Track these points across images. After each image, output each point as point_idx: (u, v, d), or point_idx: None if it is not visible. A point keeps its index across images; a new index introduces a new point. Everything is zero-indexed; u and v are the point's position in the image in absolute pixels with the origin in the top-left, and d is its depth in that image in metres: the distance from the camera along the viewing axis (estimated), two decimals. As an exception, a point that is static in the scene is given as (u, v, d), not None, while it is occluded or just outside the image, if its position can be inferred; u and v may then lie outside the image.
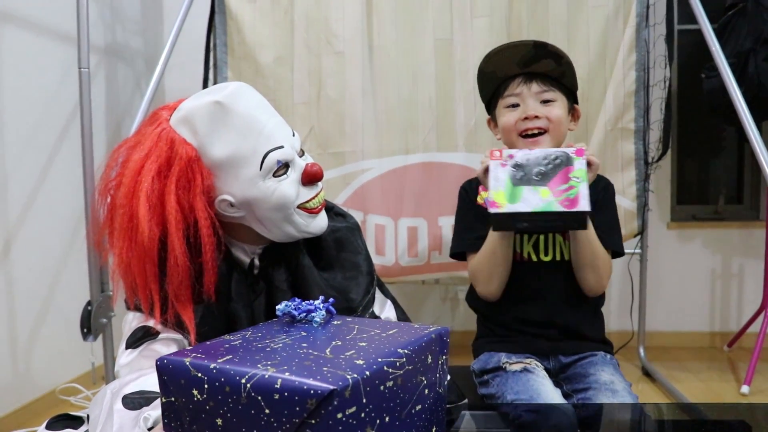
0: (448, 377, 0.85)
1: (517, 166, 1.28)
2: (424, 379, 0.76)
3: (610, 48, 2.44)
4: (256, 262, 1.16)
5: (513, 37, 2.41)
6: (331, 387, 0.62)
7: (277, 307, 0.85)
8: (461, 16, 2.41)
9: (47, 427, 1.04)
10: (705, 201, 3.44)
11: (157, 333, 1.08)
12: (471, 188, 1.54)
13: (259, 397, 0.65)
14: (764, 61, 2.53)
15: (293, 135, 1.12)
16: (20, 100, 2.29)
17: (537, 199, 1.26)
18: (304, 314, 0.84)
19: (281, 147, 1.06)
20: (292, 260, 1.16)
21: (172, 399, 0.73)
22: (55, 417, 1.07)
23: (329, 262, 1.20)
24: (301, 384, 0.63)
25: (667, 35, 2.57)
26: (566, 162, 1.27)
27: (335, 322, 0.85)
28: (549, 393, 1.29)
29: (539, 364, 1.42)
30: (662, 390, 2.70)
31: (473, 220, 1.50)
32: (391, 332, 0.79)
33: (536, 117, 1.39)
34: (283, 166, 1.07)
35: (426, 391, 0.77)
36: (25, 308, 2.33)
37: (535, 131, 1.40)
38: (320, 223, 1.14)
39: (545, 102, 1.41)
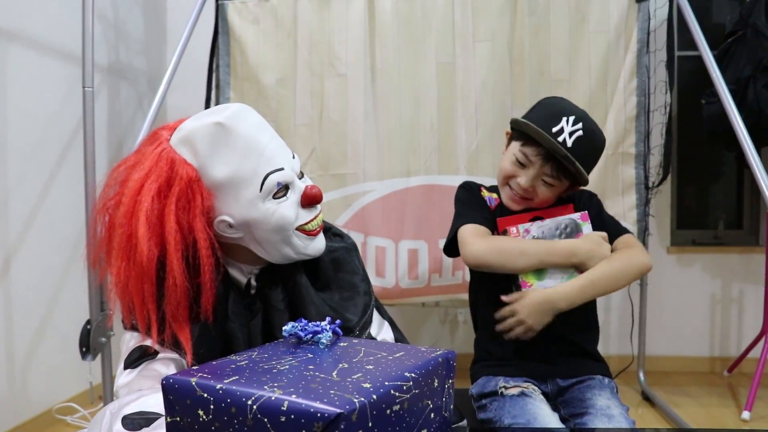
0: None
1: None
2: (430, 403, 0.76)
3: (611, 73, 2.46)
4: (253, 282, 1.16)
5: (514, 62, 2.43)
6: (338, 410, 0.62)
7: (283, 328, 0.85)
8: (463, 40, 2.43)
9: None
10: (705, 226, 3.44)
11: (156, 353, 1.07)
12: (471, 186, 1.57)
13: (266, 419, 0.65)
14: (764, 88, 2.55)
15: (293, 157, 1.12)
16: (23, 117, 2.30)
17: (560, 273, 1.39)
18: (311, 335, 0.84)
19: (281, 169, 1.07)
20: (289, 280, 1.15)
21: (177, 419, 0.72)
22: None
23: (326, 283, 1.20)
24: (308, 407, 0.63)
25: (668, 61, 2.59)
26: (576, 229, 1.41)
27: (342, 344, 0.84)
28: (546, 417, 1.29)
29: (537, 388, 1.42)
30: (662, 415, 2.68)
31: (476, 204, 1.53)
32: (398, 355, 0.79)
33: (525, 190, 1.42)
34: (283, 188, 1.07)
35: (432, 415, 0.77)
36: (23, 326, 2.32)
37: (518, 197, 1.45)
38: (318, 245, 1.14)
39: (546, 183, 1.41)
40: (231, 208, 1.06)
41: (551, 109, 1.42)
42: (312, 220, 1.11)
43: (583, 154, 1.37)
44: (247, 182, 1.04)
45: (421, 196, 2.45)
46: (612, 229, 1.49)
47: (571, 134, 1.36)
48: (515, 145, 1.43)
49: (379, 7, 2.45)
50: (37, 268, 2.38)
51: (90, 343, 1.95)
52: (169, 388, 0.73)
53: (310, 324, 0.85)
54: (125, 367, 1.08)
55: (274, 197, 1.06)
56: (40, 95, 2.39)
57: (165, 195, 1.02)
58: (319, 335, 0.84)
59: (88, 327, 1.96)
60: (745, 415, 2.65)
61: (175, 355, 1.09)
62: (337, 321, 0.87)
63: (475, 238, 1.42)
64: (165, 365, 1.08)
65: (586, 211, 1.42)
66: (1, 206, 2.22)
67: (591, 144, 1.40)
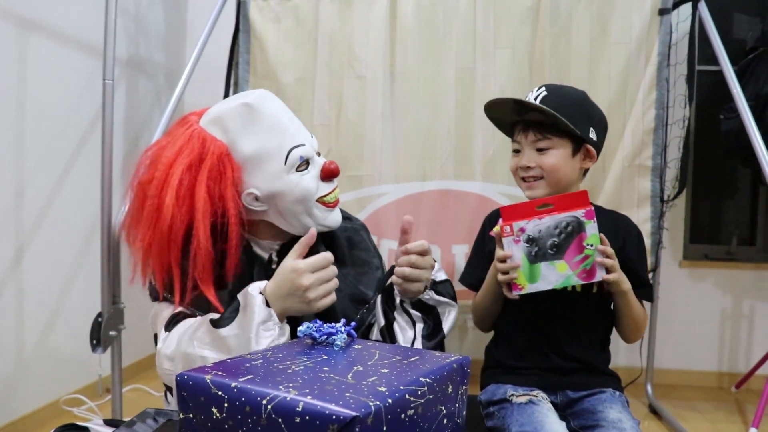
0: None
1: (531, 241, 1.28)
2: (443, 408, 0.76)
3: (630, 85, 2.45)
4: (275, 257, 1.24)
5: (535, 70, 2.43)
6: (354, 414, 0.62)
7: (298, 329, 0.85)
8: (484, 47, 2.43)
9: None
10: (717, 241, 3.42)
11: (194, 314, 1.15)
12: (491, 221, 1.54)
13: (280, 419, 0.65)
14: (783, 106, 2.54)
15: (311, 136, 1.23)
16: (41, 108, 2.31)
17: (555, 276, 1.28)
18: (326, 337, 0.84)
19: (303, 145, 1.17)
20: (308, 254, 1.18)
21: (190, 415, 0.73)
22: (61, 427, 1.09)
23: (342, 259, 1.28)
24: (323, 409, 0.63)
25: (688, 75, 2.58)
26: (578, 228, 1.27)
27: (356, 346, 0.84)
28: (553, 425, 1.28)
29: (545, 396, 1.41)
30: (669, 428, 2.67)
31: (477, 256, 1.54)
32: (413, 359, 0.79)
33: (529, 167, 1.43)
34: (304, 163, 1.17)
35: (445, 420, 0.76)
36: (33, 317, 2.33)
37: (530, 179, 1.44)
38: (336, 217, 1.24)
39: (540, 150, 1.42)
40: (258, 181, 1.15)
41: (495, 99, 1.49)
42: (330, 193, 1.21)
43: (553, 105, 1.38)
44: (272, 156, 1.14)
45: (436, 201, 2.44)
46: (640, 281, 1.43)
47: (535, 99, 1.41)
48: (512, 146, 1.50)
49: (401, 10, 2.45)
50: (49, 259, 2.39)
51: (100, 335, 1.95)
52: (183, 384, 0.73)
53: (325, 325, 0.85)
54: (166, 330, 1.14)
55: (297, 170, 1.16)
56: (59, 86, 2.41)
57: (197, 169, 1.11)
58: (333, 337, 0.84)
59: (99, 320, 1.96)
60: (752, 431, 2.63)
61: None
62: (352, 323, 0.87)
63: (472, 313, 1.54)
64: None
65: (591, 209, 1.27)
66: (17, 197, 2.23)
67: (559, 96, 1.42)
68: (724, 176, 3.39)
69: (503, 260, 1.30)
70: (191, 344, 1.06)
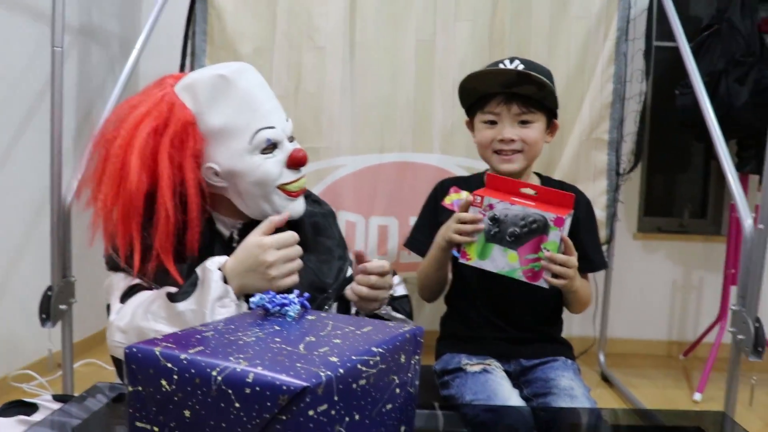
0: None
1: (494, 220, 1.25)
2: (396, 378, 0.76)
3: (589, 59, 2.47)
4: (236, 236, 1.21)
5: (494, 43, 2.43)
6: (304, 384, 0.61)
7: (251, 300, 0.84)
8: (444, 19, 2.42)
9: None
10: (670, 214, 3.50)
11: (149, 287, 1.13)
12: (442, 188, 1.54)
13: (230, 391, 0.64)
14: (735, 82, 2.59)
15: (287, 120, 1.19)
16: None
17: (503, 262, 1.26)
18: (279, 308, 0.83)
19: (273, 127, 1.14)
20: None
21: (139, 388, 0.72)
22: (8, 403, 1.06)
23: (305, 245, 1.22)
24: (274, 379, 0.62)
25: (646, 50, 2.61)
26: (542, 229, 1.23)
27: (310, 317, 0.84)
28: (506, 393, 1.31)
29: (499, 365, 1.43)
30: (619, 395, 2.75)
31: (426, 223, 1.52)
32: (365, 330, 0.78)
33: (512, 140, 1.40)
34: (271, 146, 1.14)
35: (397, 390, 0.77)
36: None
37: (509, 152, 1.41)
38: (297, 207, 1.20)
39: (522, 123, 1.41)
40: (220, 157, 1.13)
41: (487, 68, 1.44)
42: (294, 182, 1.17)
43: (529, 74, 1.37)
44: (238, 134, 1.12)
45: (394, 173, 2.44)
46: (589, 252, 1.44)
47: (515, 68, 1.39)
48: (479, 118, 1.45)
49: (360, -19, 2.42)
50: (-3, 231, 2.33)
51: (50, 309, 1.91)
52: (132, 356, 0.72)
53: (278, 296, 0.84)
54: (121, 302, 1.12)
55: (261, 152, 1.13)
56: (5, 53, 2.33)
57: (161, 134, 1.09)
58: (286, 308, 0.83)
59: (49, 293, 1.92)
60: (697, 396, 2.74)
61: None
62: (305, 294, 0.86)
63: (417, 282, 1.52)
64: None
65: (564, 218, 1.21)
66: (-36, 166, 2.16)
67: (538, 68, 1.41)
68: (678, 151, 3.46)
69: (471, 222, 1.26)
70: (146, 318, 1.05)
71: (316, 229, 1.29)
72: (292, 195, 1.18)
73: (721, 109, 2.53)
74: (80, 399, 1.02)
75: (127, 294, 1.12)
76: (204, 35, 2.47)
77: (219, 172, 1.13)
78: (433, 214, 1.52)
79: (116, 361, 1.14)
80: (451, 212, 1.45)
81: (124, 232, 1.09)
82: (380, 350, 0.73)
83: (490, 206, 1.26)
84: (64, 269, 1.97)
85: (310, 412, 0.62)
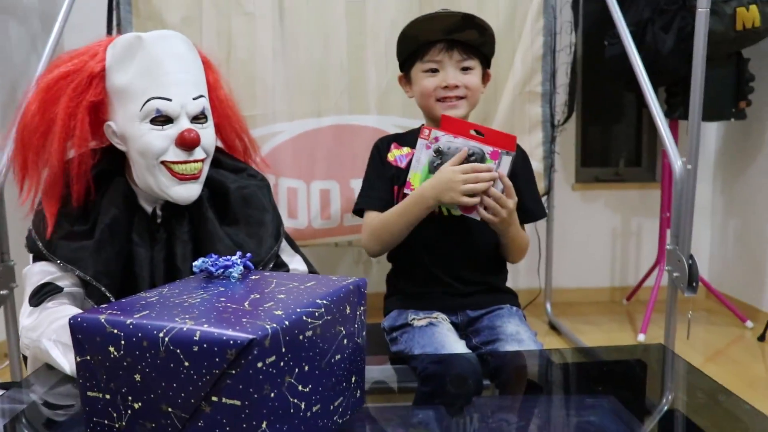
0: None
1: (438, 152, 1.32)
2: (342, 329, 0.78)
3: (518, 14, 2.50)
4: (159, 211, 1.20)
5: (424, 2, 2.42)
6: (251, 336, 0.62)
7: (194, 264, 0.85)
8: (373, -22, 2.40)
9: None
10: (607, 163, 3.59)
11: (60, 289, 1.13)
12: (383, 146, 1.55)
13: (178, 350, 0.65)
14: (661, 30, 2.65)
15: (195, 98, 1.14)
16: None
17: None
18: (222, 270, 0.84)
19: (168, 99, 1.11)
20: (195, 213, 1.20)
21: (87, 357, 0.72)
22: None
23: (234, 218, 1.24)
24: (221, 335, 0.63)
25: (573, 2, 2.65)
26: (479, 161, 1.29)
27: (254, 277, 0.85)
28: (453, 343, 1.34)
29: (446, 318, 1.47)
30: (567, 341, 2.85)
31: (377, 178, 1.52)
32: (309, 284, 0.80)
33: (456, 86, 1.42)
34: (162, 117, 1.11)
35: (345, 341, 0.79)
36: None
37: (453, 99, 1.43)
38: (183, 192, 1.15)
39: (464, 69, 1.43)
40: (118, 117, 1.13)
41: (432, 13, 1.45)
42: (182, 163, 1.13)
43: (478, 27, 1.41)
44: (134, 98, 1.11)
45: (332, 137, 2.44)
46: (527, 202, 1.46)
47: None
48: (418, 68, 1.46)
49: (286, -57, 2.38)
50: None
51: (-10, 295, 1.87)
52: (77, 326, 0.72)
53: (221, 259, 0.85)
54: (31, 305, 1.12)
55: (151, 122, 1.11)
56: None
57: (71, 80, 1.11)
58: (230, 269, 0.84)
59: (-11, 278, 1.87)
60: (641, 337, 2.86)
61: (79, 290, 1.14)
62: (248, 254, 0.87)
63: (368, 238, 1.47)
64: (68, 299, 1.14)
65: (500, 152, 1.28)
66: None
67: (478, 20, 1.43)
68: (611, 101, 3.54)
69: (484, 172, 1.28)
70: (49, 338, 1.04)
71: (247, 201, 1.27)
72: (179, 177, 1.13)
73: (648, 58, 2.58)
74: (27, 384, 1.01)
75: (40, 293, 1.12)
76: (129, 6, 2.39)
77: (116, 132, 1.15)
78: (381, 169, 1.52)
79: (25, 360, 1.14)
80: (397, 168, 1.48)
81: (34, 166, 1.13)
82: (325, 302, 0.74)
83: (436, 139, 1.32)
84: (2, 253, 1.91)
85: (259, 364, 0.63)
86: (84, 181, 1.15)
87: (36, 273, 1.14)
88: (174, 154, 1.12)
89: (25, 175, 1.16)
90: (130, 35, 1.13)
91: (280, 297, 0.74)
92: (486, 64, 1.49)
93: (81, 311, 1.07)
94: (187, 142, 1.12)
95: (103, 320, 0.70)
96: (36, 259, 1.17)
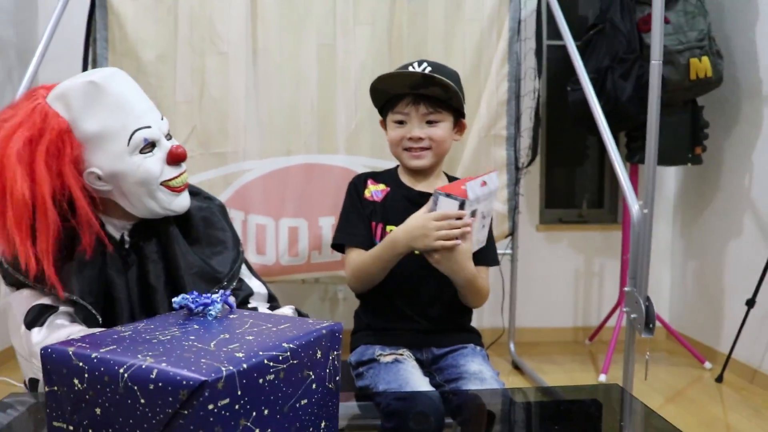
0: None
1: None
2: (311, 373, 0.78)
3: (484, 59, 2.58)
4: (126, 237, 1.23)
5: (393, 46, 2.50)
6: (203, 378, 0.63)
7: (173, 300, 0.85)
8: (344, 23, 2.47)
9: None
10: (571, 205, 3.66)
11: (55, 307, 1.14)
12: (360, 182, 1.59)
13: (135, 387, 0.66)
14: (620, 78, 2.75)
15: (161, 119, 1.21)
16: None
17: None
18: (201, 307, 0.84)
19: (149, 127, 1.17)
20: (162, 233, 1.23)
21: (55, 388, 0.72)
22: None
23: (197, 238, 1.29)
24: (175, 375, 0.64)
25: (537, 49, 2.74)
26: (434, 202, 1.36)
27: (232, 316, 0.85)
28: (417, 381, 1.37)
29: (411, 355, 1.49)
30: (530, 381, 2.86)
31: (355, 215, 1.55)
32: (282, 327, 0.80)
33: (420, 138, 1.47)
34: (149, 145, 1.17)
35: (314, 385, 0.78)
36: None
37: (418, 150, 1.49)
38: (182, 201, 1.24)
39: (430, 123, 1.48)
40: (100, 161, 1.14)
41: (396, 71, 1.51)
42: (176, 177, 1.21)
43: (433, 76, 1.43)
44: (115, 136, 1.14)
45: (302, 175, 2.48)
46: (486, 249, 1.51)
47: (423, 70, 1.45)
48: (390, 117, 1.52)
49: (260, -14, 2.43)
50: None
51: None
52: (47, 357, 0.72)
53: (201, 296, 0.85)
54: (29, 327, 1.12)
55: (141, 152, 1.16)
56: None
57: (36, 143, 1.09)
58: (209, 307, 0.84)
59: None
60: (602, 378, 2.89)
61: (69, 308, 1.15)
62: (227, 292, 0.88)
63: (350, 278, 1.52)
64: (67, 317, 1.15)
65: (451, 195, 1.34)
66: None
67: (445, 71, 1.48)
68: (575, 144, 3.63)
69: (456, 219, 1.32)
70: None
71: (207, 222, 1.32)
72: (175, 190, 1.21)
73: (608, 104, 2.69)
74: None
75: (40, 315, 1.12)
76: (105, 42, 2.43)
77: (101, 176, 1.15)
78: (359, 206, 1.55)
79: (33, 384, 1.13)
80: (374, 203, 1.53)
81: (22, 241, 1.09)
82: (291, 346, 0.74)
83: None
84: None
85: (211, 407, 0.64)
86: (94, 230, 1.15)
87: (25, 297, 1.14)
88: (168, 173, 1.19)
89: (20, 246, 1.09)
90: (77, 83, 1.13)
91: (248, 338, 0.75)
92: (458, 114, 1.53)
93: (86, 328, 1.11)
94: (180, 157, 1.20)
95: (71, 352, 0.71)
96: (16, 288, 1.17)
